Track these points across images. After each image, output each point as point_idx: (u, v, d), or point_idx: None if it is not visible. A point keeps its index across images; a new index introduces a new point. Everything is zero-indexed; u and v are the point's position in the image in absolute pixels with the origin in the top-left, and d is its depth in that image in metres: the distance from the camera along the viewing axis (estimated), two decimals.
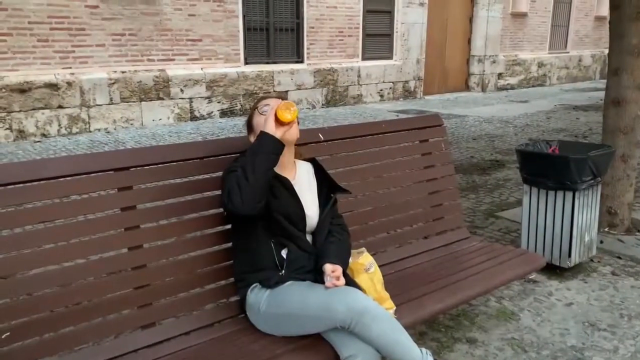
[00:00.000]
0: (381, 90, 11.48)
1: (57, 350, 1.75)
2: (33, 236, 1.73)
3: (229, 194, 1.82)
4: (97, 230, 1.83)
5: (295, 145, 2.10)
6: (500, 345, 2.53)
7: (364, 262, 2.00)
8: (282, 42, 9.85)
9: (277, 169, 1.99)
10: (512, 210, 4.45)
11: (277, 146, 1.87)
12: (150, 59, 8.32)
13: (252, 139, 2.01)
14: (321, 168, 2.14)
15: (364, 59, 11.11)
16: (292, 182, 2.01)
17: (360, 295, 1.79)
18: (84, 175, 1.83)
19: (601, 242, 3.65)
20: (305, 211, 1.99)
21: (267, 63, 9.66)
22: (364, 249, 2.10)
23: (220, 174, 2.02)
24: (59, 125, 7.54)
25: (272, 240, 1.94)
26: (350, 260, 2.02)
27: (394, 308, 1.97)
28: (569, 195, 3.13)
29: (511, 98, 12.44)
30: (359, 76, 11.01)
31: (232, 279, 2.05)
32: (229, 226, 2.07)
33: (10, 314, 1.67)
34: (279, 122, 1.88)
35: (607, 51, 4.01)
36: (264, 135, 1.87)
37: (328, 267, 1.87)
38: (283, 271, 1.92)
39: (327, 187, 2.10)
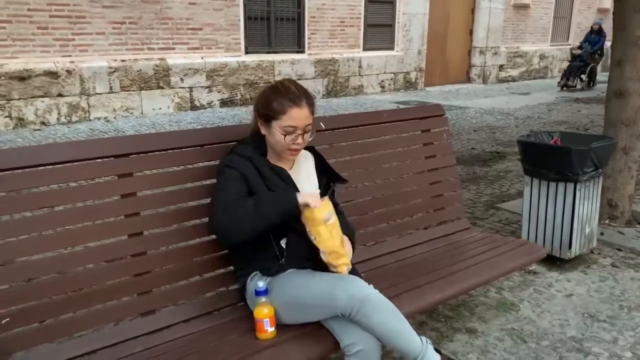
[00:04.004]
0: (382, 81, 11.44)
1: (57, 336, 1.74)
2: (33, 222, 1.71)
3: (225, 218, 1.78)
4: (97, 217, 1.82)
5: None
6: (500, 335, 2.53)
7: (319, 213, 1.81)
8: (283, 31, 9.80)
9: (273, 159, 1.97)
10: (512, 201, 4.44)
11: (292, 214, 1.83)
12: (151, 47, 8.28)
13: (263, 131, 1.94)
14: (321, 157, 2.13)
15: (365, 49, 11.07)
16: (289, 172, 1.98)
17: (362, 283, 1.78)
18: (84, 162, 1.82)
19: (601, 234, 3.65)
20: None
21: (268, 53, 9.62)
22: (326, 197, 1.92)
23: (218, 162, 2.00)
24: (59, 113, 7.52)
25: (271, 232, 1.92)
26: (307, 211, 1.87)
27: (350, 266, 1.87)
28: (570, 186, 3.12)
29: (512, 90, 12.41)
30: (360, 67, 10.97)
31: (231, 268, 2.05)
32: None
33: (9, 300, 1.66)
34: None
35: (609, 44, 3.99)
36: (292, 207, 1.80)
37: None
38: (283, 260, 1.91)
39: (326, 177, 2.08)
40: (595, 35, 12.72)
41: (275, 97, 1.88)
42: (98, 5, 7.70)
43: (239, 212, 1.77)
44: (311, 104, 1.92)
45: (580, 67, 12.43)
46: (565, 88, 12.34)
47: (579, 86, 12.49)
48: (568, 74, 12.43)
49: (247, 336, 1.82)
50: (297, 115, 1.87)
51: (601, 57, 12.99)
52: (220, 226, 1.80)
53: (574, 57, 12.56)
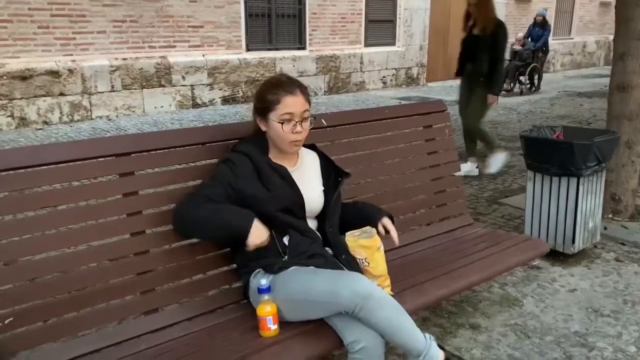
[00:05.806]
0: (384, 77, 11.42)
1: (60, 335, 1.75)
2: (35, 222, 1.72)
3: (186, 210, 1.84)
4: (99, 216, 1.83)
5: None
6: (504, 331, 2.53)
7: (377, 241, 1.98)
8: (284, 28, 9.79)
9: (275, 157, 1.97)
10: (515, 196, 4.43)
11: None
12: (152, 45, 8.28)
13: (263, 127, 1.95)
14: (324, 155, 2.13)
15: (366, 45, 11.04)
16: (291, 170, 1.98)
17: (365, 280, 1.78)
18: (86, 161, 1.82)
19: (605, 228, 3.64)
20: (305, 198, 1.97)
21: (269, 50, 9.61)
22: (373, 229, 2.03)
23: None
24: (61, 112, 7.53)
25: (273, 229, 1.92)
26: (366, 237, 1.97)
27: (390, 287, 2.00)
28: (573, 181, 3.11)
29: None
30: (361, 63, 10.95)
31: (234, 265, 2.05)
32: None
33: (13, 300, 1.67)
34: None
35: (611, 37, 3.97)
36: (244, 227, 1.81)
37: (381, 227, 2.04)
38: (286, 257, 1.91)
39: (334, 173, 2.08)
40: (539, 28, 10.97)
41: (269, 89, 1.92)
42: (99, 4, 7.69)
43: (198, 211, 1.81)
44: (305, 92, 1.95)
45: (519, 67, 10.66)
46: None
47: (517, 90, 10.81)
48: (505, 76, 10.06)
49: (250, 334, 1.82)
50: (292, 103, 1.89)
51: (545, 55, 11.31)
52: (177, 215, 1.87)
53: (513, 55, 10.65)
